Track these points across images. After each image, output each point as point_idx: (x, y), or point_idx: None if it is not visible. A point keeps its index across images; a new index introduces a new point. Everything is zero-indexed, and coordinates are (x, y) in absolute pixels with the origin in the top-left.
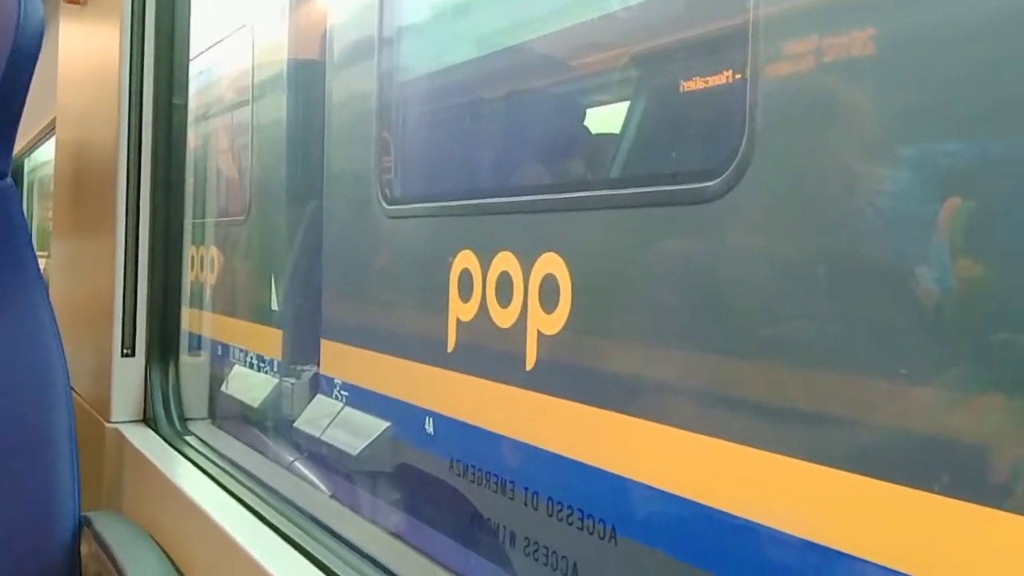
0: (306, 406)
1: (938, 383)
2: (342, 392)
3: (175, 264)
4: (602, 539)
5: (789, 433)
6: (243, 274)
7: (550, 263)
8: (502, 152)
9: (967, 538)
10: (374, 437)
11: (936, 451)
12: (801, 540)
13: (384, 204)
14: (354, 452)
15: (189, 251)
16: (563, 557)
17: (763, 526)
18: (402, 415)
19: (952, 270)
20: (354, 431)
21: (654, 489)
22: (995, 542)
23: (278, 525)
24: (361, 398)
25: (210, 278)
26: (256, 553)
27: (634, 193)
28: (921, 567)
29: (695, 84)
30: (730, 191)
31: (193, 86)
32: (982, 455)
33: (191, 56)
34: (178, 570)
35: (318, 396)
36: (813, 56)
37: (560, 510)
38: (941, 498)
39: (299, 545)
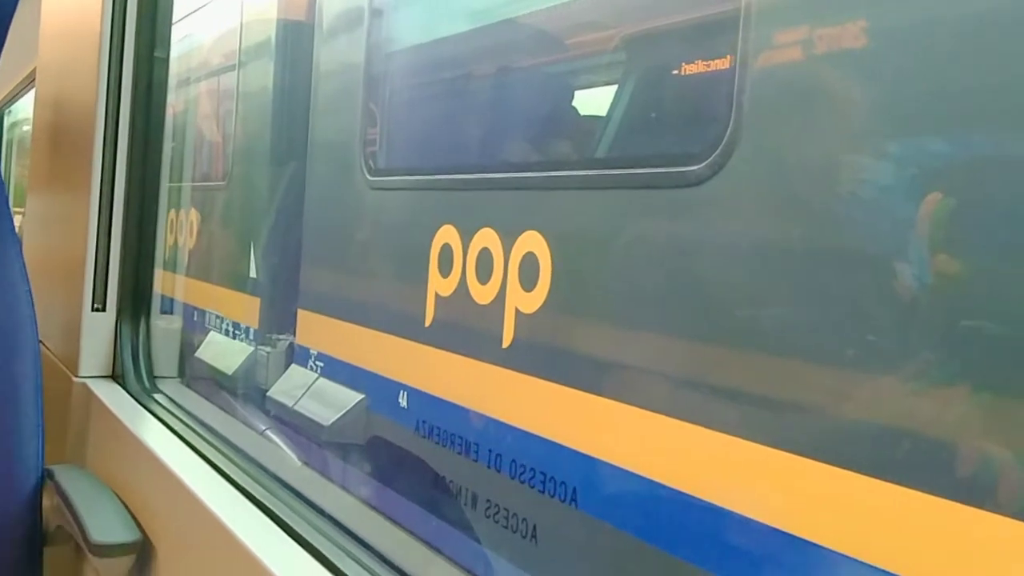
0: (280, 375)
1: (914, 371)
2: (317, 363)
3: (150, 221)
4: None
5: (767, 421)
6: (222, 240)
7: (531, 241)
8: (487, 129)
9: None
10: (347, 408)
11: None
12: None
13: (368, 175)
14: (327, 423)
15: (168, 213)
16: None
17: (734, 512)
18: (376, 388)
19: (930, 262)
20: (327, 402)
21: (618, 468)
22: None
23: (244, 486)
24: (336, 369)
25: (189, 242)
26: (221, 512)
27: (618, 175)
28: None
29: (683, 69)
30: (714, 175)
31: (177, 50)
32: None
33: (176, 19)
34: (139, 526)
35: (293, 366)
36: (803, 46)
37: (528, 490)
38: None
39: (266, 507)
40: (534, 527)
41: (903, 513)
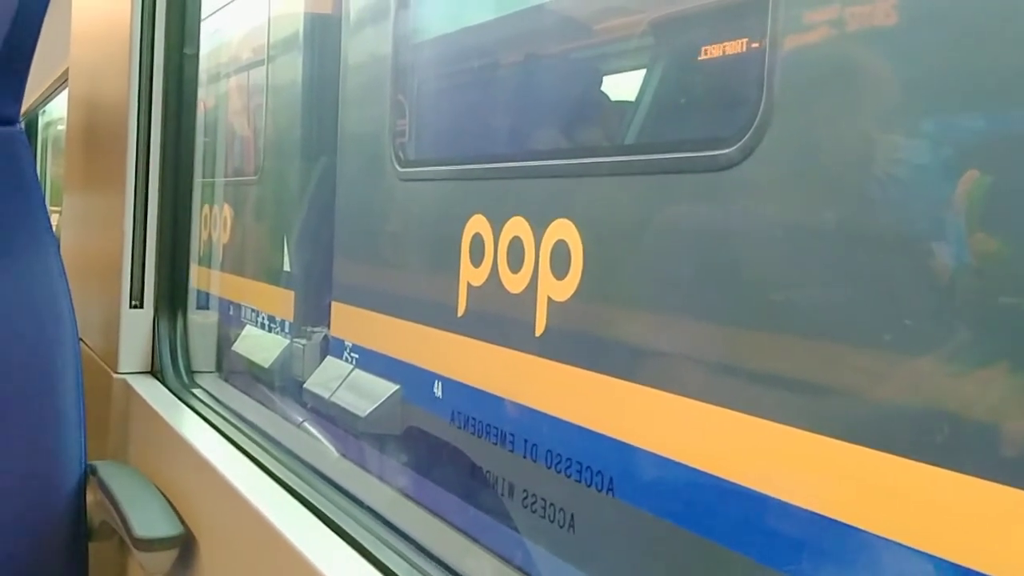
0: (316, 367)
1: (952, 354)
2: (352, 354)
3: (184, 218)
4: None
5: (802, 405)
6: (255, 234)
7: (562, 229)
8: (516, 117)
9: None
10: (383, 399)
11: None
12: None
13: (398, 167)
14: (363, 414)
15: (202, 209)
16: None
17: (782, 501)
18: (411, 378)
19: (968, 244)
20: (363, 393)
21: (658, 456)
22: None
23: (284, 479)
24: (370, 361)
25: (223, 237)
26: (261, 506)
27: (648, 160)
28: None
29: (712, 52)
30: (745, 159)
31: (207, 46)
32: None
33: (206, 15)
34: (182, 520)
35: (328, 358)
36: (834, 25)
37: (565, 480)
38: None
39: (305, 499)
40: (571, 516)
41: (949, 496)
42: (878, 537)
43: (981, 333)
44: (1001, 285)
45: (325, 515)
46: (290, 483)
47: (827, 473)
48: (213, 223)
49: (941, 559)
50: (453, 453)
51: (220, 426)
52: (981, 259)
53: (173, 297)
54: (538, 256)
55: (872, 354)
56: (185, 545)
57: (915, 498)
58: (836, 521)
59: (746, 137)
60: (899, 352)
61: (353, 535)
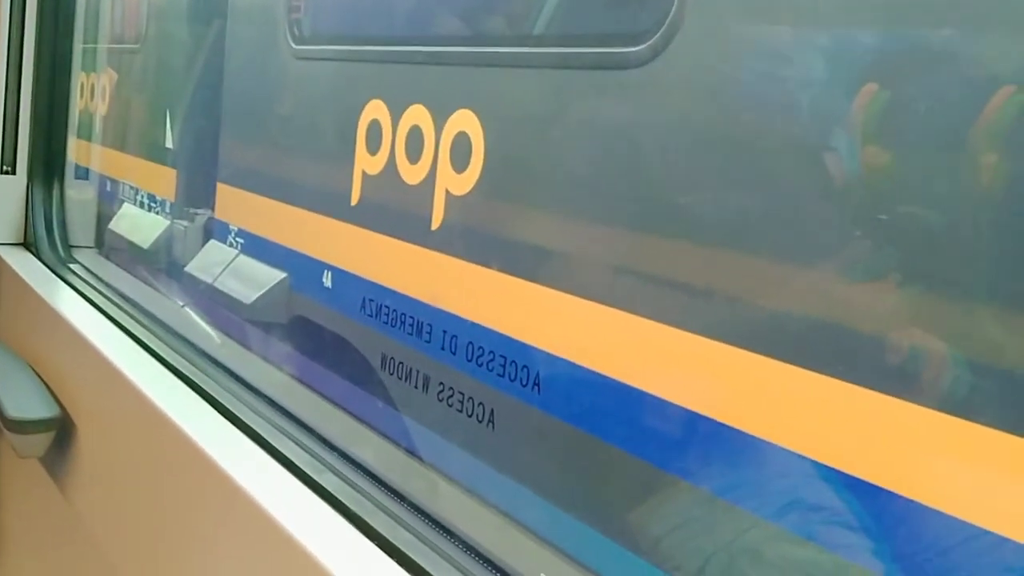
0: (198, 251)
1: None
2: (237, 239)
3: (62, 82)
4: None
5: (696, 308)
6: (137, 106)
7: (464, 120)
8: None
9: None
10: (268, 287)
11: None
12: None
13: (292, 44)
14: (247, 301)
15: (79, 76)
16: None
17: (658, 397)
18: (299, 266)
19: (861, 154)
20: (248, 280)
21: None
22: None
23: (168, 359)
24: (257, 246)
25: (101, 108)
26: (144, 386)
27: (556, 53)
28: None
29: None
30: (655, 58)
31: None
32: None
33: None
34: (58, 401)
35: (211, 241)
36: None
37: (446, 369)
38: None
39: (187, 378)
40: (446, 403)
41: (829, 402)
42: (758, 439)
43: (870, 242)
44: (892, 196)
45: (210, 395)
46: (174, 363)
47: (725, 377)
48: (92, 92)
49: (815, 461)
50: (339, 341)
51: (100, 303)
52: (873, 171)
53: (49, 165)
54: (438, 147)
55: (769, 260)
56: (62, 427)
57: (797, 402)
58: (733, 427)
59: (656, 36)
60: (794, 259)
61: (234, 411)
